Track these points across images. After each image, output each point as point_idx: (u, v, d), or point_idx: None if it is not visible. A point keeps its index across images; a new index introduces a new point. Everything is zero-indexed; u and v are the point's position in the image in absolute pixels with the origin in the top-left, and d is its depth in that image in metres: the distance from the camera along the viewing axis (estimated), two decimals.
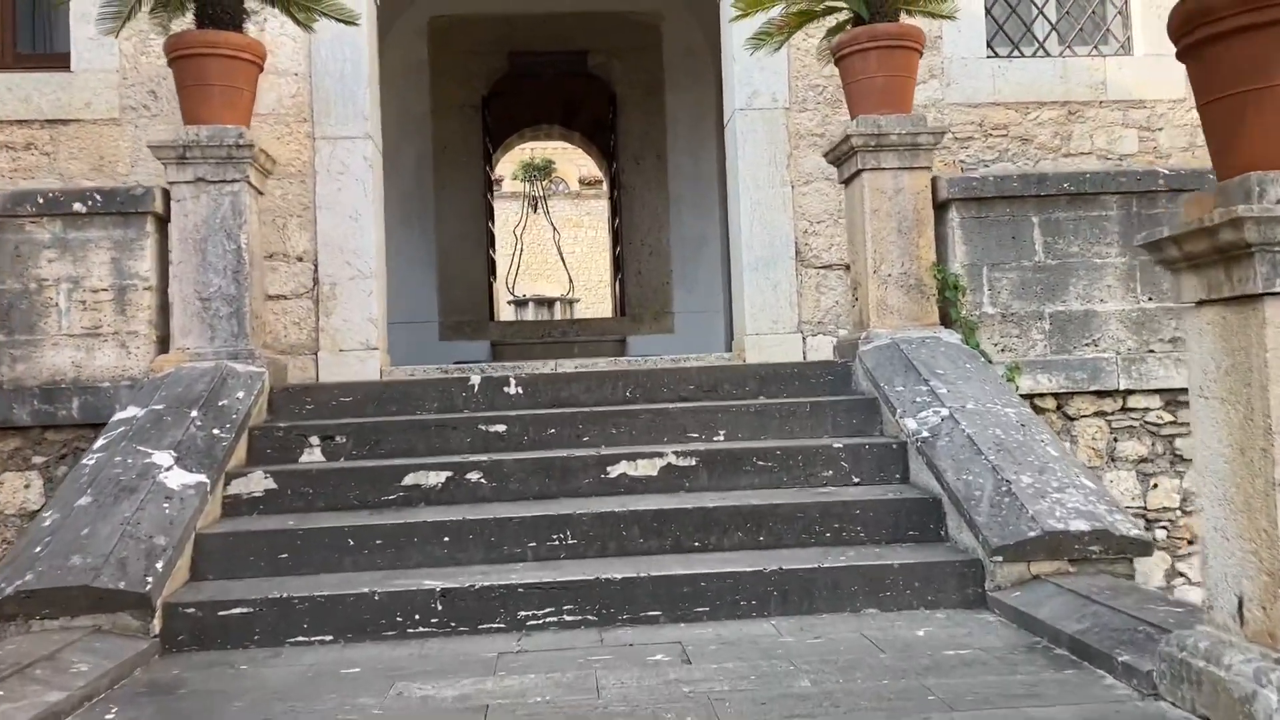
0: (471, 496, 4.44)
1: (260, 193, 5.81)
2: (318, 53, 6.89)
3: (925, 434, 4.50)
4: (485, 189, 11.21)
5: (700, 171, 11.26)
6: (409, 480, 4.47)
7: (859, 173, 5.43)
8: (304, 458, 4.77)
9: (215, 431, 4.54)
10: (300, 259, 6.82)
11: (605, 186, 17.08)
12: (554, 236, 27.86)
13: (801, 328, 6.98)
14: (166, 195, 5.43)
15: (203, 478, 4.20)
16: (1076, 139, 7.19)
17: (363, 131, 6.86)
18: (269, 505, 4.41)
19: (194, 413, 4.63)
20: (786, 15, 5.82)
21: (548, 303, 28.25)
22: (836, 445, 4.63)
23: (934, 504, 4.23)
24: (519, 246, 27.49)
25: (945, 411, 4.59)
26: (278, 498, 4.43)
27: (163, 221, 5.44)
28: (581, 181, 38.60)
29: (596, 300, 36.89)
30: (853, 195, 5.58)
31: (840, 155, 5.65)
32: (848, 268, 7.00)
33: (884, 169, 5.37)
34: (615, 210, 11.79)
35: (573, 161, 39.15)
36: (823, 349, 6.96)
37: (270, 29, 6.81)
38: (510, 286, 27.96)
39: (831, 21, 5.96)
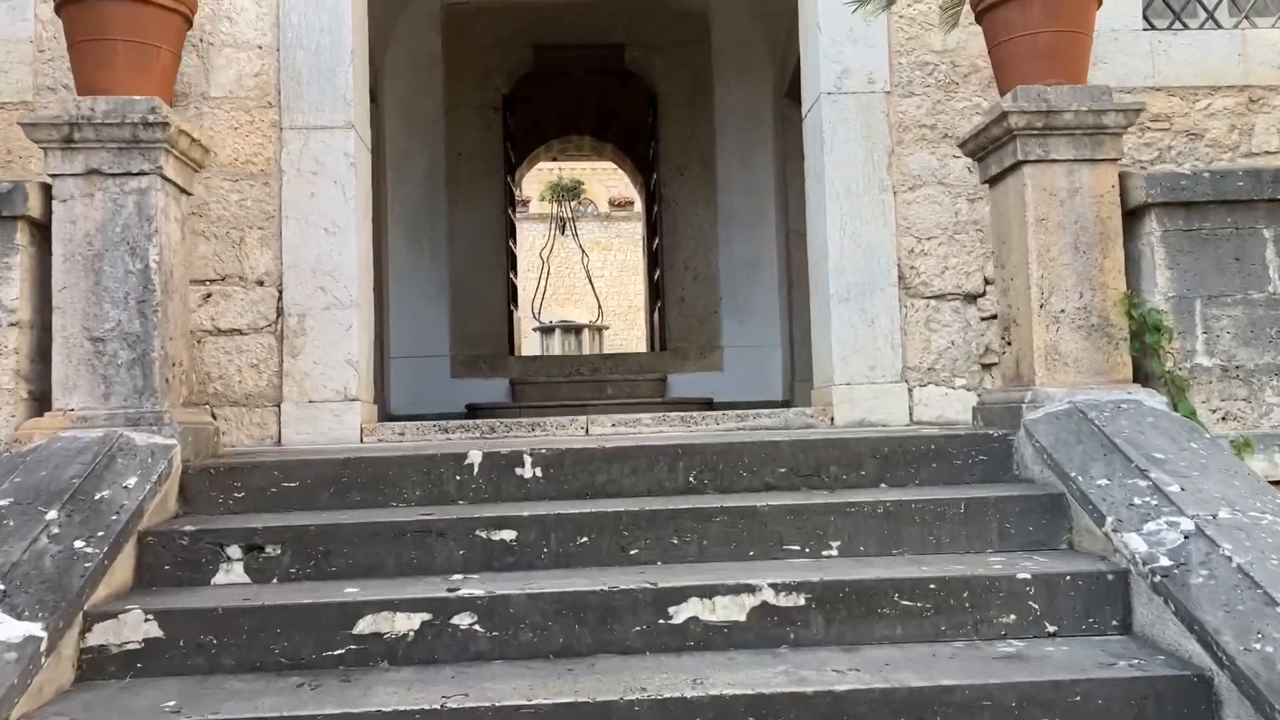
0: (460, 653, 2.86)
1: (185, 192, 4.29)
2: (288, 19, 5.39)
3: (1164, 561, 2.89)
4: (506, 203, 9.72)
5: (754, 183, 9.71)
6: (365, 626, 2.89)
7: (1016, 167, 3.85)
8: (217, 579, 3.21)
9: (79, 544, 3.00)
10: (261, 283, 5.30)
11: (640, 205, 15.55)
12: (583, 260, 26.38)
13: (906, 376, 5.38)
14: (48, 194, 3.90)
15: (34, 629, 2.65)
16: (1261, 134, 5.58)
17: (344, 120, 5.34)
18: (150, 664, 2.86)
19: (52, 512, 3.08)
20: None
21: (575, 330, 26.73)
22: (1019, 574, 3.02)
23: (1199, 687, 2.63)
24: (545, 271, 26.05)
25: (1187, 524, 2.98)
26: (164, 652, 2.87)
27: (43, 230, 3.91)
28: (611, 203, 37.23)
29: (625, 326, 35.42)
30: (1005, 198, 4.00)
31: (985, 144, 4.06)
32: (969, 298, 5.41)
33: (1055, 161, 3.79)
34: (653, 229, 10.27)
35: (602, 183, 37.80)
36: (932, 403, 5.36)
37: None
38: (536, 313, 26.49)
39: None
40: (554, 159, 16.88)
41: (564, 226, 26.61)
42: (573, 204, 32.18)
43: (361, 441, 5.21)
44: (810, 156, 5.72)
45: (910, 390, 5.37)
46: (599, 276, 33.08)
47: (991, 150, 4.04)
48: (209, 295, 5.26)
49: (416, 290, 9.48)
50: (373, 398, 5.70)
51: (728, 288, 9.65)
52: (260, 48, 5.39)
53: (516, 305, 10.21)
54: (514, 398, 9.30)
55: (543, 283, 26.26)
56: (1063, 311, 3.79)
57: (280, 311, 5.27)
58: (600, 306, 26.97)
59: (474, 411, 9.00)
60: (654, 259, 10.23)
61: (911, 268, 5.43)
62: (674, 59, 9.77)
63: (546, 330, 26.49)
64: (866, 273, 5.39)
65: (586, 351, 26.37)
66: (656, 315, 9.89)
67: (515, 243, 10.38)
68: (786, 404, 9.12)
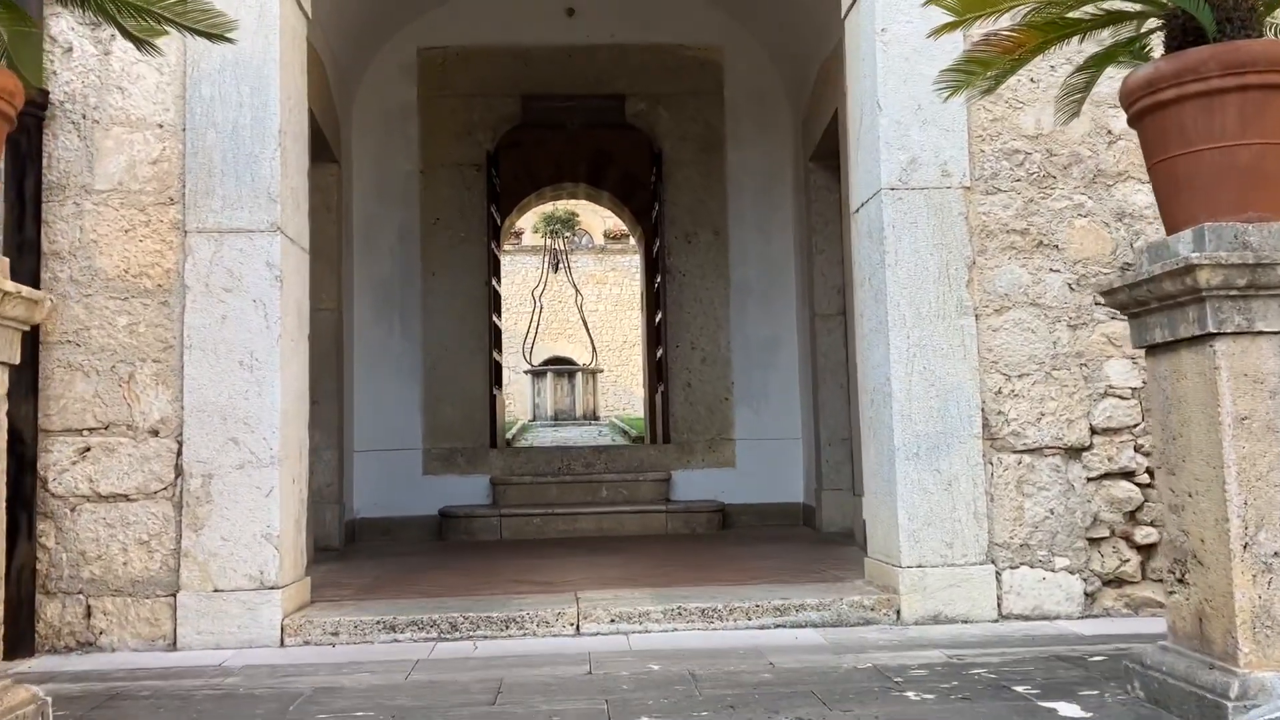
0: None
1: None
2: (197, 91, 4.18)
3: None
4: (490, 273, 8.52)
5: (771, 254, 8.51)
6: None
7: (1202, 340, 2.66)
8: None
9: None
10: (155, 433, 4.08)
11: (639, 254, 14.37)
12: (576, 299, 25.19)
13: (993, 554, 4.17)
14: None
15: None
16: None
17: (267, 221, 4.14)
18: None
19: None
20: (1024, 29, 3.07)
21: (568, 374, 25.51)
22: None
23: None
24: (537, 309, 24.87)
25: None
26: None
27: None
28: (607, 235, 36.10)
29: (619, 363, 34.23)
30: (1177, 378, 2.79)
31: (1145, 300, 2.86)
32: (1071, 452, 4.21)
33: (1263, 334, 2.60)
34: (657, 300, 9.07)
35: (597, 213, 36.59)
36: (1026, 591, 4.15)
37: (119, 51, 4.13)
38: (527, 355, 25.26)
39: (1099, 42, 3.20)
40: (544, 201, 15.70)
41: (557, 265, 25.43)
42: (567, 235, 31.03)
43: (282, 644, 3.98)
44: (864, 266, 4.51)
45: (999, 574, 4.15)
46: (593, 311, 31.96)
47: (1157, 310, 2.83)
48: (86, 449, 4.04)
49: (384, 374, 8.26)
50: (304, 568, 4.47)
51: (741, 372, 8.45)
52: (160, 126, 4.19)
53: (500, 387, 9.00)
54: (495, 500, 8.07)
55: (535, 321, 25.08)
56: (1277, 556, 2.58)
57: (180, 471, 4.05)
58: (595, 349, 25.77)
59: (447, 518, 7.77)
60: (657, 334, 9.04)
61: (998, 413, 4.23)
62: (682, 112, 8.59)
63: (538, 374, 25.27)
64: (941, 420, 4.19)
65: (579, 397, 25.14)
66: (660, 401, 8.71)
67: (500, 316, 9.17)
68: (811, 511, 7.90)
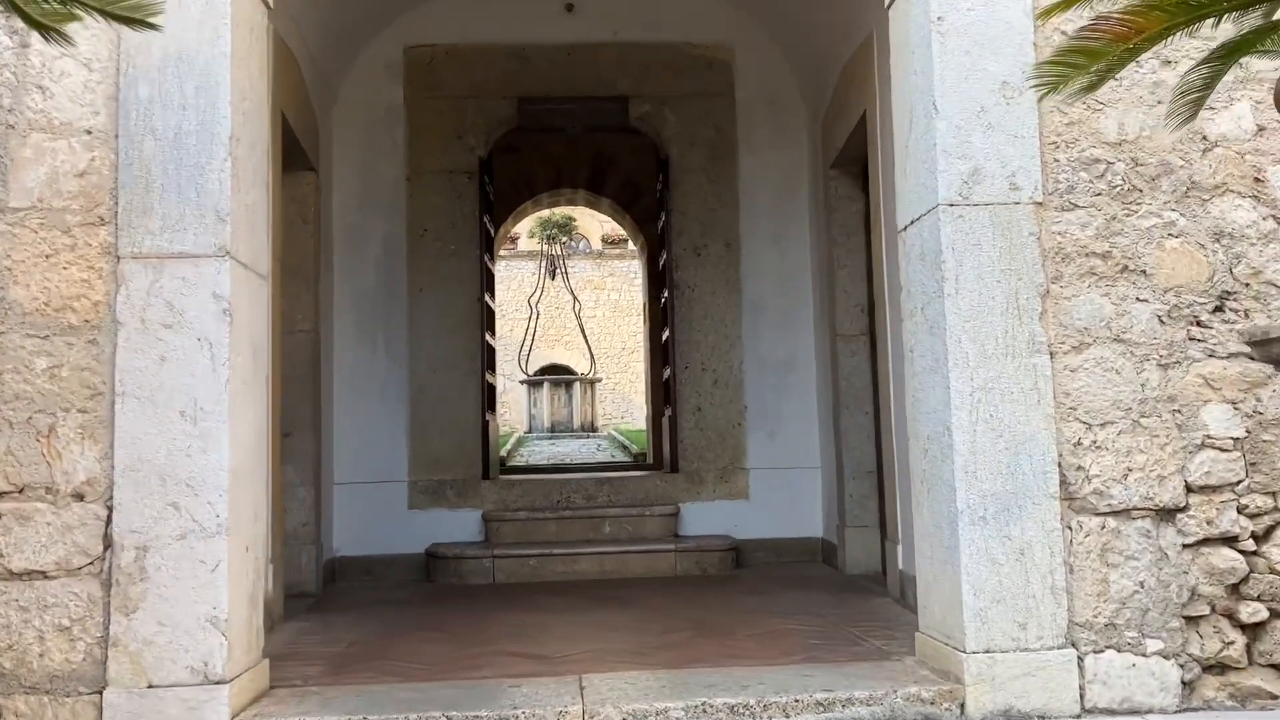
0: None
1: None
2: (133, 92, 3.54)
3: None
4: (482, 286, 7.87)
5: (787, 268, 7.88)
6: None
7: None
8: None
9: None
10: (79, 496, 3.43)
11: (641, 264, 13.74)
12: (574, 307, 24.53)
13: (1073, 636, 3.53)
14: None
15: None
16: None
17: (214, 245, 3.49)
18: None
19: None
20: (1145, 10, 2.44)
21: (565, 384, 24.87)
22: None
23: None
24: (534, 317, 24.22)
25: None
26: None
27: None
28: (605, 240, 35.53)
29: (618, 370, 33.63)
30: None
31: None
32: (1164, 514, 3.59)
33: None
34: (663, 315, 8.43)
35: (595, 218, 35.99)
36: (1113, 680, 3.51)
37: (39, 43, 3.48)
38: (523, 364, 24.62)
39: (1240, 26, 2.57)
40: (541, 208, 15.06)
41: (554, 272, 24.78)
42: (564, 240, 30.39)
43: None
44: (916, 294, 3.87)
45: (1081, 660, 3.52)
46: (590, 317, 31.32)
47: None
48: None
49: (367, 399, 7.61)
50: (261, 649, 3.81)
51: (755, 395, 7.80)
52: (89, 133, 3.54)
53: (493, 411, 8.35)
54: (487, 537, 7.42)
55: (531, 329, 24.45)
56: None
57: (109, 543, 3.41)
58: (593, 359, 25.12)
59: (435, 558, 7.12)
60: (664, 353, 8.41)
61: (1078, 469, 3.59)
62: (690, 116, 7.95)
63: (534, 384, 24.63)
64: (1011, 477, 3.55)
65: (576, 409, 24.48)
66: (667, 426, 8.06)
67: (494, 334, 8.52)
68: (831, 549, 7.26)
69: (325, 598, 6.50)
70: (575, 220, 33.67)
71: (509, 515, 7.41)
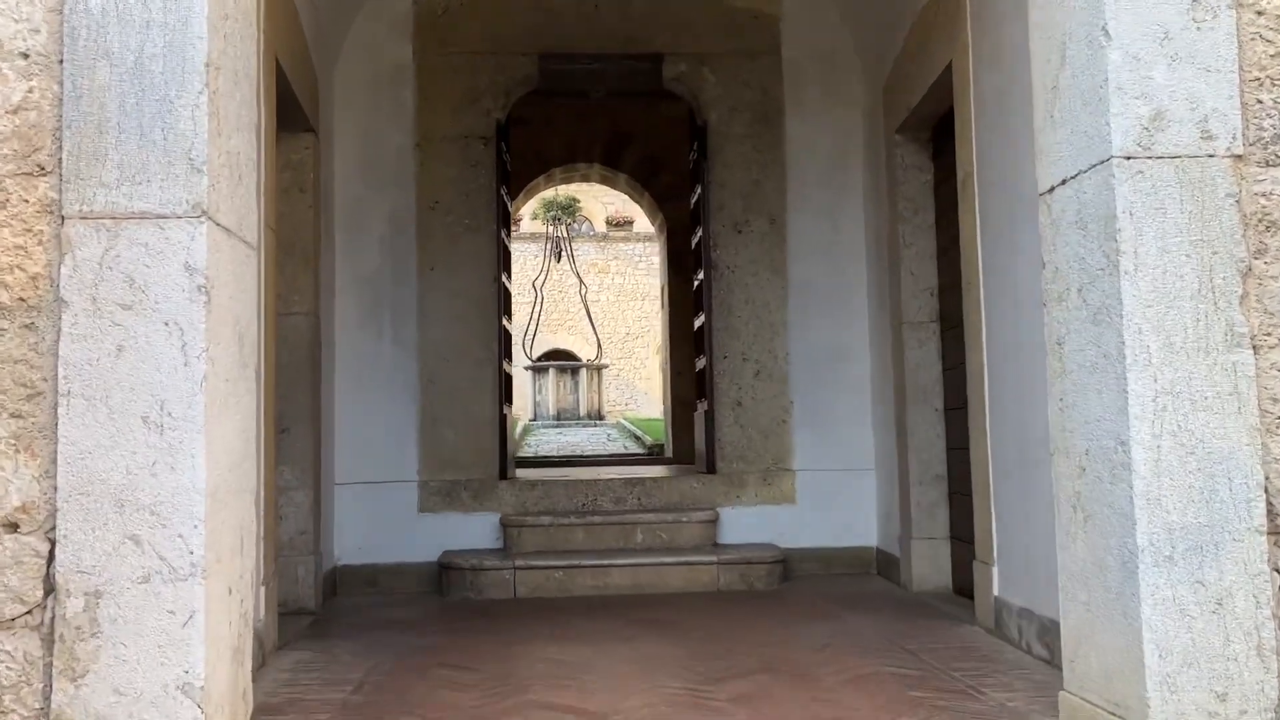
0: None
1: None
2: (82, 5, 2.75)
3: None
4: (499, 266, 7.08)
5: (840, 247, 7.10)
6: None
7: None
8: None
9: None
10: (13, 526, 2.67)
11: (660, 245, 12.98)
12: (581, 291, 23.73)
13: None
14: None
15: None
16: None
17: (188, 201, 2.71)
18: None
19: None
20: None
21: (571, 370, 24.12)
22: None
23: None
24: (538, 301, 23.43)
25: None
26: None
27: None
28: (609, 222, 34.75)
29: (622, 356, 32.90)
30: None
31: None
32: None
33: None
34: (698, 301, 7.64)
35: (599, 199, 35.20)
36: None
37: None
38: (528, 349, 23.84)
39: None
40: (554, 185, 14.25)
41: (559, 255, 23.97)
42: (567, 222, 29.53)
43: None
44: (1070, 272, 3.09)
45: None
46: (594, 301, 30.59)
47: None
48: None
49: (372, 390, 6.84)
50: (249, 714, 3.04)
51: (802, 388, 7.03)
52: (25, 57, 2.76)
53: (509, 405, 7.57)
54: (506, 544, 6.65)
55: (536, 313, 23.67)
56: None
57: (50, 587, 2.64)
58: (600, 345, 24.33)
59: (449, 569, 6.35)
60: (699, 341, 7.62)
61: None
62: (732, 76, 7.15)
63: (539, 370, 23.86)
64: (1206, 506, 2.78)
65: (583, 396, 23.72)
66: (705, 422, 7.28)
67: (510, 318, 7.73)
68: (890, 561, 6.50)
69: (326, 616, 5.74)
70: (579, 202, 32.90)
71: (530, 521, 6.63)
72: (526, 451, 16.02)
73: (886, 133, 6.42)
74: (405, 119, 6.99)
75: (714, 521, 6.76)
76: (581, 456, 14.48)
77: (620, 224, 34.35)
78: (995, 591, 4.70)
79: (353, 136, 6.89)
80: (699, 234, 7.46)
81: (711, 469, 7.10)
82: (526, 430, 19.83)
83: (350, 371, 6.82)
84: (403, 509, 6.81)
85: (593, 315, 26.94)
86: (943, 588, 6.03)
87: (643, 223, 33.90)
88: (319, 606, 5.90)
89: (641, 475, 7.14)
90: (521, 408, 27.55)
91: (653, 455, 14.65)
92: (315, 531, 5.97)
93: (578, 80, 7.41)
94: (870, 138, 6.86)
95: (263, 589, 4.50)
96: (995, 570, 4.71)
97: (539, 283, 22.98)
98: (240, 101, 3.04)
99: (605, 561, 6.27)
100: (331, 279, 6.71)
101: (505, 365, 7.32)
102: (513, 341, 7.95)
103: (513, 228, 25.77)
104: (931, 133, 6.21)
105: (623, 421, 21.69)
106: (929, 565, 6.07)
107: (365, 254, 6.91)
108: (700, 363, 7.61)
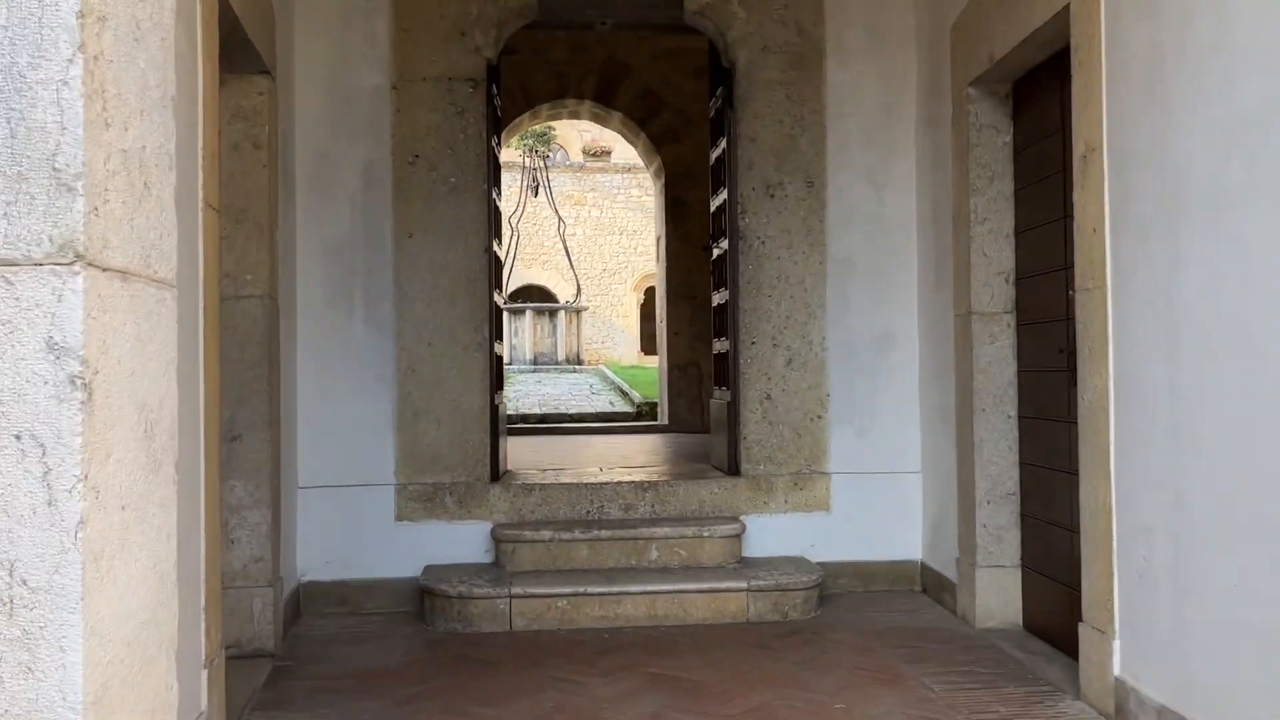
0: None
1: None
2: None
3: None
4: (490, 232, 6.05)
5: (887, 217, 6.13)
6: None
7: None
8: None
9: None
10: None
11: (658, 191, 11.93)
12: (559, 229, 22.60)
13: None
14: None
15: None
16: None
17: (51, 237, 1.69)
18: None
19: None
20: None
21: (549, 313, 23.07)
22: None
23: None
24: (514, 237, 22.30)
25: None
26: None
27: None
28: (585, 151, 33.47)
29: (599, 293, 31.86)
30: None
31: None
32: None
33: None
34: (717, 274, 6.64)
35: (574, 127, 33.87)
36: None
37: None
38: (502, 289, 22.84)
39: None
40: (539, 122, 13.11)
41: (536, 189, 22.76)
42: (541, 151, 28.27)
43: None
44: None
45: None
46: (570, 235, 29.44)
47: None
48: None
49: (341, 379, 5.84)
50: None
51: (840, 380, 6.09)
52: None
53: (501, 390, 6.57)
54: (499, 560, 5.72)
55: (511, 250, 22.56)
56: None
57: None
58: (579, 287, 23.26)
59: (433, 596, 5.41)
60: (720, 321, 6.64)
61: None
62: (765, 12, 6.08)
63: (516, 312, 22.78)
64: None
65: (561, 340, 22.68)
66: (724, 413, 6.32)
67: (502, 292, 6.70)
68: (939, 581, 5.63)
69: (287, 662, 4.80)
70: (554, 129, 31.56)
71: (528, 534, 5.69)
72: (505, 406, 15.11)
73: (955, 84, 5.41)
74: (379, 56, 5.90)
75: (739, 535, 5.84)
76: (566, 416, 13.55)
77: (598, 154, 33.08)
78: (1116, 671, 3.82)
79: (317, 78, 5.80)
80: (722, 196, 6.44)
81: (735, 470, 6.17)
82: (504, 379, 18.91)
83: (315, 357, 5.81)
84: (378, 517, 5.85)
85: (569, 248, 25.82)
86: (1011, 624, 5.18)
87: (622, 152, 32.64)
88: (279, 645, 4.98)
89: (654, 479, 6.19)
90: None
91: (642, 416, 13.75)
92: (273, 557, 5.01)
93: (583, 11, 6.31)
94: (930, 88, 5.85)
95: (205, 673, 3.55)
96: (1116, 644, 3.83)
97: (515, 218, 21.83)
98: (147, 65, 2.00)
99: (616, 588, 5.36)
100: (293, 248, 5.67)
101: (497, 347, 6.31)
102: (504, 318, 6.93)
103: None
104: (1011, 86, 5.22)
105: (604, 370, 20.70)
106: (995, 597, 5.21)
107: (333, 217, 5.86)
108: (718, 345, 6.64)
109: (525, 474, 6.51)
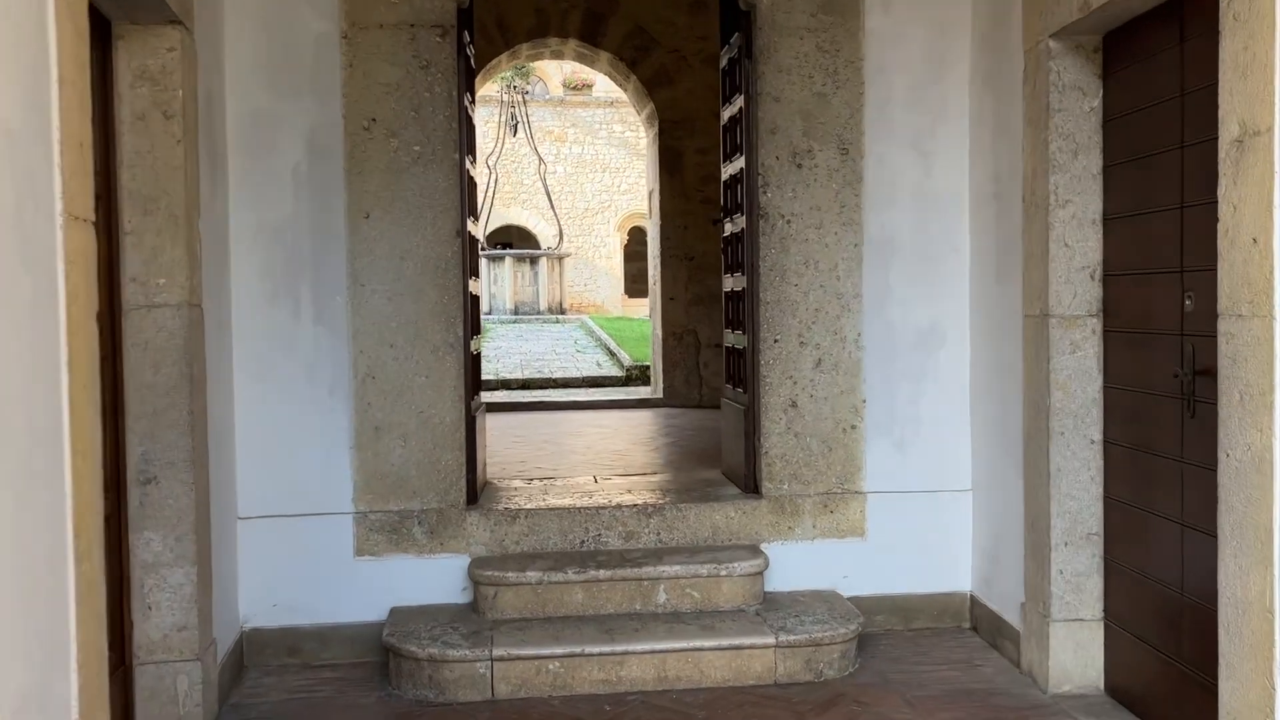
0: None
1: None
2: None
3: None
4: (464, 210, 5.05)
5: (935, 190, 5.17)
6: None
7: None
8: None
9: None
10: None
11: (651, 140, 10.91)
12: (540, 170, 21.44)
13: None
14: None
15: None
16: None
17: None
18: None
19: None
20: None
21: (530, 259, 21.96)
22: None
23: None
24: (492, 178, 21.18)
25: None
26: None
27: None
28: (566, 85, 32.14)
29: (580, 234, 30.76)
30: None
31: None
32: None
33: None
34: (732, 257, 5.68)
35: (555, 58, 32.46)
36: None
37: None
38: (481, 235, 21.66)
39: None
40: (518, 63, 11.99)
41: (515, 127, 21.55)
42: (519, 85, 26.96)
43: None
44: None
45: None
46: (550, 174, 28.25)
47: None
48: None
49: (287, 388, 4.89)
50: None
51: (878, 384, 5.18)
52: None
53: (477, 393, 5.63)
54: (478, 605, 4.82)
55: (490, 192, 21.44)
56: None
57: None
58: (561, 232, 22.16)
59: (399, 657, 4.51)
60: (734, 312, 5.68)
61: None
62: None
63: (495, 259, 21.66)
64: None
65: (543, 288, 21.60)
66: (742, 421, 5.38)
67: (477, 277, 5.71)
68: (992, 622, 4.77)
69: None
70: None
71: (511, 575, 4.79)
72: (484, 365, 14.10)
73: (1028, 35, 4.43)
74: (328, 2, 4.86)
75: (761, 573, 4.96)
76: (550, 381, 12.62)
77: (579, 87, 31.75)
78: None
79: (249, 25, 4.77)
80: (737, 165, 5.47)
81: (754, 489, 5.28)
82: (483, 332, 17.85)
83: (256, 364, 4.86)
84: (334, 551, 4.95)
85: (550, 190, 24.68)
86: (1091, 687, 4.35)
87: (605, 85, 31.30)
88: None
89: (659, 500, 5.29)
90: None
91: (632, 380, 12.83)
92: (201, 623, 4.10)
93: None
94: (989, 39, 4.86)
95: None
96: None
97: (493, 160, 20.66)
98: None
99: (619, 647, 4.47)
100: (223, 235, 4.68)
101: (473, 344, 5.36)
102: (479, 306, 5.95)
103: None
104: (1101, 40, 4.24)
105: (589, 323, 19.68)
106: (1072, 656, 4.36)
107: (273, 196, 4.87)
108: (731, 338, 5.72)
109: (508, 489, 5.59)
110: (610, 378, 12.73)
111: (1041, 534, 4.41)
